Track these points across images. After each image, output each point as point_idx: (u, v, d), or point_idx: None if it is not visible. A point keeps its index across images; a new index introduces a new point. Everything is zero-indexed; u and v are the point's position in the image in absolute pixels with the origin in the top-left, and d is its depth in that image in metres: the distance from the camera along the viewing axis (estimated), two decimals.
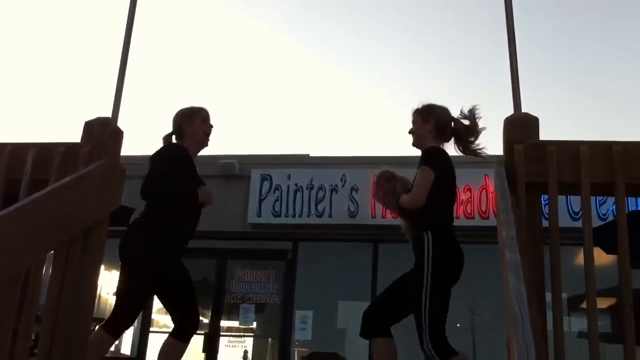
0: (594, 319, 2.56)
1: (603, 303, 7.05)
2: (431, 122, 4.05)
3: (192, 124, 4.24)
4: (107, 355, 10.99)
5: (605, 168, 2.76)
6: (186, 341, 3.99)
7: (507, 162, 2.83)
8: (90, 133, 3.35)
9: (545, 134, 2.91)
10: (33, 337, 3.08)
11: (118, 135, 3.43)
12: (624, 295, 2.63)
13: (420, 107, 4.13)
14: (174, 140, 4.31)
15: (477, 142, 4.06)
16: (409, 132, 4.12)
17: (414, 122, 4.12)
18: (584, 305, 2.64)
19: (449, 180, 3.94)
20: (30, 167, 3.26)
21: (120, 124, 3.55)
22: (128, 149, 4.05)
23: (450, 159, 3.98)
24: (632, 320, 2.60)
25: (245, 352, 10.37)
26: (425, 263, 3.72)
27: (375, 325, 3.76)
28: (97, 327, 3.98)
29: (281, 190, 9.76)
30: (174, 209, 4.02)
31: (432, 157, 3.93)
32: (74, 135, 3.42)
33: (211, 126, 4.27)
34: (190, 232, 4.15)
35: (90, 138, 3.32)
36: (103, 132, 3.34)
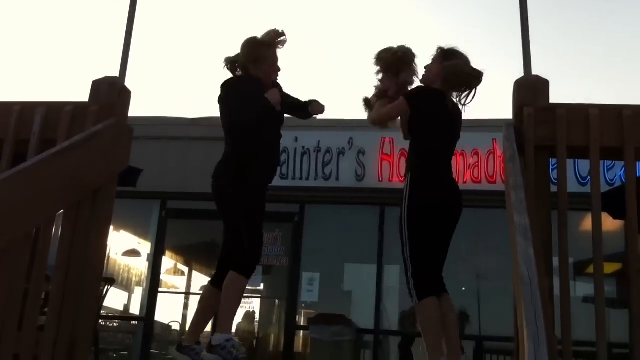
0: (600, 284, 2.57)
1: (609, 268, 7.06)
2: (443, 66, 3.92)
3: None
4: (117, 315, 11.13)
5: (615, 132, 2.74)
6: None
7: (517, 125, 2.82)
8: (98, 93, 3.34)
9: (555, 97, 2.89)
10: (43, 296, 3.12)
11: (126, 95, 3.42)
12: (630, 260, 2.63)
13: (443, 47, 3.97)
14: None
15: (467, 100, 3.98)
16: (424, 67, 4.00)
17: (432, 61, 3.99)
18: (590, 270, 2.65)
19: (432, 120, 3.88)
20: (38, 127, 3.25)
21: (128, 84, 3.54)
22: (136, 109, 4.04)
23: (440, 101, 3.87)
24: (638, 285, 2.61)
25: (253, 312, 10.48)
26: (402, 202, 3.75)
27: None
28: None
29: (288, 153, 9.74)
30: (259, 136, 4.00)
31: (412, 93, 3.95)
32: (82, 94, 3.42)
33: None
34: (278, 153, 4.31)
35: (98, 98, 3.31)
36: (111, 92, 3.33)
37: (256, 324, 10.50)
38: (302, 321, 9.77)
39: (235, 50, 4.27)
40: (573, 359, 2.58)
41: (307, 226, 9.89)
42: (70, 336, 2.86)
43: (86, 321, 2.98)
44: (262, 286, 10.48)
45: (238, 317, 10.26)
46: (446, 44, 3.98)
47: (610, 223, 4.88)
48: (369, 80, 4.17)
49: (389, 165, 9.41)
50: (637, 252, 2.66)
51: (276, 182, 10.25)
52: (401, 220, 3.72)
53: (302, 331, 9.63)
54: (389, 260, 9.52)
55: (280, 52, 4.20)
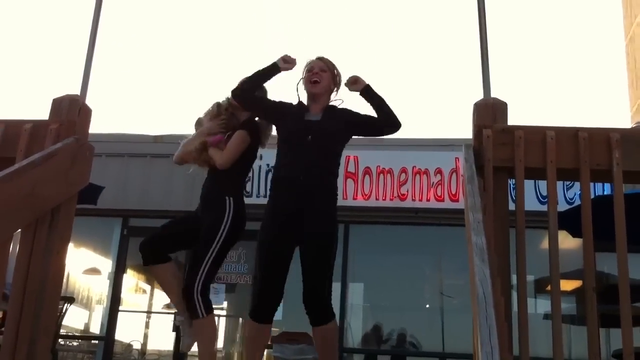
0: (557, 300, 2.62)
1: (569, 285, 7.20)
2: (335, 81, 3.98)
3: None
4: (77, 334, 10.90)
5: (571, 153, 2.80)
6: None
7: (476, 146, 2.87)
8: (58, 110, 3.31)
9: (513, 119, 2.95)
10: (0, 315, 3.06)
11: (86, 112, 3.39)
12: (587, 277, 2.69)
13: (330, 62, 3.98)
14: None
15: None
16: (313, 81, 3.90)
17: (324, 72, 3.93)
18: (550, 287, 2.70)
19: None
20: None
21: (89, 101, 3.51)
22: (97, 126, 4.01)
23: None
24: (594, 302, 2.66)
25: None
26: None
27: None
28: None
29: (253, 170, 9.73)
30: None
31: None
32: (42, 113, 3.38)
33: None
34: None
35: (58, 115, 3.28)
36: (71, 110, 3.30)
37: (219, 342, 10.41)
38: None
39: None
40: None
41: None
42: (28, 356, 2.81)
43: (44, 340, 2.93)
44: (225, 304, 10.40)
45: None
46: (322, 55, 4.03)
47: (570, 241, 4.98)
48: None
49: (353, 183, 9.46)
50: (593, 269, 2.73)
51: None
52: (215, 242, 3.88)
53: (265, 350, 9.58)
54: (354, 278, 9.53)
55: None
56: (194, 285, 3.72)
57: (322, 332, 3.61)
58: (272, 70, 3.92)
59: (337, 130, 3.81)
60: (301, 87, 3.96)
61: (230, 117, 4.11)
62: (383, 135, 4.04)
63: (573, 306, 7.64)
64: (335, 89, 3.99)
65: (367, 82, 3.85)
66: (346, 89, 3.95)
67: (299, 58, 3.95)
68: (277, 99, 4.04)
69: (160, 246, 3.92)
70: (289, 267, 3.71)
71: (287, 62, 3.91)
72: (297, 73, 3.99)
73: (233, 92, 3.96)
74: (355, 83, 3.86)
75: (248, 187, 9.68)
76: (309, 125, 3.80)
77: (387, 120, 3.79)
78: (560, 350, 2.54)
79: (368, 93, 3.83)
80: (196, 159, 4.05)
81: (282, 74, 3.95)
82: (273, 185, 3.86)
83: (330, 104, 3.96)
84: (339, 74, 3.99)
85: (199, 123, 4.18)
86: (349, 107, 3.95)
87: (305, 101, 3.97)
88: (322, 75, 3.89)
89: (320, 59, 3.95)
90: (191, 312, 3.72)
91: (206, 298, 3.74)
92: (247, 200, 10.19)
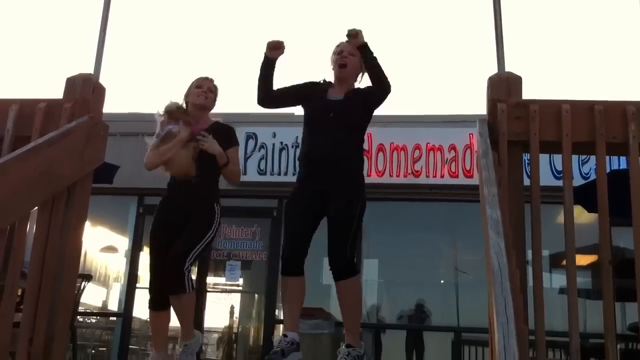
0: (572, 274, 2.61)
1: (584, 260, 7.16)
2: (362, 65, 3.93)
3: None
4: (95, 311, 11.05)
5: (587, 127, 2.78)
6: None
7: (490, 121, 2.85)
8: (72, 89, 3.32)
9: (528, 93, 2.93)
10: (19, 293, 3.10)
11: (100, 91, 3.41)
12: (603, 251, 2.68)
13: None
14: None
15: None
16: (341, 64, 3.90)
17: (352, 55, 3.90)
18: (565, 262, 2.70)
19: None
20: (12, 124, 3.23)
21: (102, 80, 3.52)
22: (112, 105, 4.02)
23: None
24: (610, 275, 2.66)
25: (232, 307, 10.49)
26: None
27: None
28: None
29: (266, 148, 9.74)
30: None
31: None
32: (56, 91, 3.40)
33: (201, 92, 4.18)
34: None
35: (72, 94, 3.30)
36: (85, 89, 3.32)
37: (236, 318, 10.52)
38: (281, 315, 9.80)
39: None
40: (548, 349, 2.63)
41: None
42: (47, 332, 2.85)
43: (63, 317, 2.98)
44: (241, 281, 10.48)
45: (219, 312, 10.27)
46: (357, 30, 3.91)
47: (586, 216, 4.95)
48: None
49: (367, 160, 9.45)
50: (609, 243, 2.72)
51: (254, 177, 10.30)
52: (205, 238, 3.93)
53: (281, 325, 9.66)
54: (368, 253, 9.56)
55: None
56: (184, 262, 3.77)
57: (343, 285, 3.68)
58: (267, 64, 3.95)
59: (357, 107, 3.85)
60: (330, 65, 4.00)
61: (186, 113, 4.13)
62: (380, 102, 4.00)
63: (588, 280, 7.62)
64: (362, 73, 3.99)
65: (366, 41, 3.82)
66: None
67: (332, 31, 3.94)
68: (302, 82, 4.06)
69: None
70: (313, 227, 3.83)
71: (275, 49, 3.93)
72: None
73: (259, 103, 4.05)
74: (355, 37, 3.84)
75: (262, 165, 9.70)
76: (331, 104, 3.86)
77: (378, 83, 3.81)
78: (576, 324, 2.54)
79: (365, 50, 3.81)
80: (182, 169, 4.02)
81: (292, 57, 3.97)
82: (300, 163, 3.94)
83: (356, 86, 3.99)
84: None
85: (165, 135, 4.09)
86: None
87: (333, 80, 4.00)
88: (350, 59, 3.90)
89: (350, 42, 3.91)
90: (176, 288, 3.76)
91: (191, 277, 3.85)
92: (261, 178, 10.23)
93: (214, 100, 4.22)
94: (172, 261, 3.78)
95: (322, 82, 4.03)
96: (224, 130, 4.16)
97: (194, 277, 4.06)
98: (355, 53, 3.88)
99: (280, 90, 4.02)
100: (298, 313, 3.80)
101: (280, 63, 4.00)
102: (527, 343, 2.40)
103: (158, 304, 3.89)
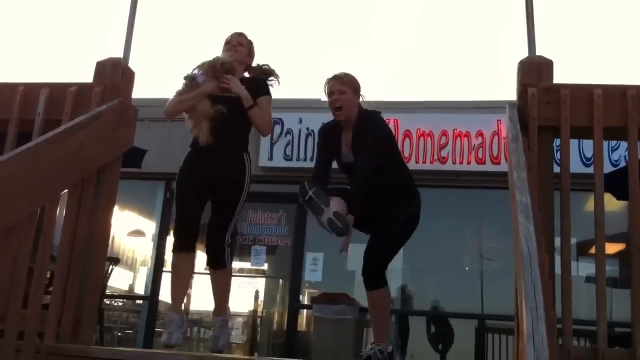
0: (601, 261, 2.58)
1: (611, 248, 7.09)
2: (358, 94, 3.91)
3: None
4: (122, 294, 11.19)
5: (619, 112, 2.74)
6: None
7: (520, 106, 2.82)
8: (102, 73, 3.36)
9: (559, 77, 2.89)
10: (48, 276, 3.15)
11: (129, 75, 3.44)
12: (633, 239, 2.64)
13: (346, 78, 3.86)
14: None
15: None
16: (337, 108, 3.81)
17: (343, 94, 3.80)
18: (592, 250, 2.66)
19: None
20: (42, 108, 3.27)
21: (132, 64, 3.54)
22: (140, 91, 4.02)
23: None
24: (639, 263, 2.62)
25: (257, 292, 10.54)
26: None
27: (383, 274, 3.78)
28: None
29: (292, 134, 9.73)
30: None
31: None
32: (86, 75, 3.43)
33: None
34: None
35: (102, 78, 3.33)
36: (115, 73, 3.35)
37: (260, 303, 10.57)
38: (305, 300, 9.84)
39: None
40: (574, 337, 2.61)
41: None
42: (75, 314, 2.90)
43: (91, 299, 3.02)
44: (266, 266, 10.52)
45: (244, 297, 10.33)
46: (342, 73, 3.91)
47: (614, 204, 4.89)
48: (374, 58, 4.10)
49: None
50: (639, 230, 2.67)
51: (280, 163, 10.32)
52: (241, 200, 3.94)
53: (305, 310, 9.70)
54: None
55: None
56: (224, 237, 3.77)
57: (371, 296, 3.74)
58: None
59: (369, 156, 3.74)
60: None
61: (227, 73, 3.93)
62: None
63: (616, 269, 7.54)
64: (361, 99, 3.93)
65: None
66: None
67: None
68: (320, 145, 4.12)
69: (194, 235, 3.86)
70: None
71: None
72: None
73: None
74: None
75: (288, 151, 9.70)
76: (349, 167, 3.88)
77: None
78: (604, 311, 2.51)
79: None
80: (203, 115, 3.88)
81: None
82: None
83: (360, 115, 3.85)
84: (358, 86, 3.91)
85: (191, 78, 3.94)
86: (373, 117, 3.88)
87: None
88: (342, 98, 3.80)
89: (336, 78, 3.85)
90: (217, 263, 3.79)
91: (230, 251, 3.83)
92: (287, 164, 10.24)
93: (247, 54, 4.10)
94: (213, 237, 3.77)
95: (330, 126, 3.97)
96: (257, 81, 4.04)
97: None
98: (346, 87, 3.80)
99: (324, 171, 4.03)
100: None
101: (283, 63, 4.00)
102: (556, 330, 2.38)
103: (184, 244, 3.78)
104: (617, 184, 3.60)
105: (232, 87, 3.85)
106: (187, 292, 4.08)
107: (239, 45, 4.05)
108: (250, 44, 4.14)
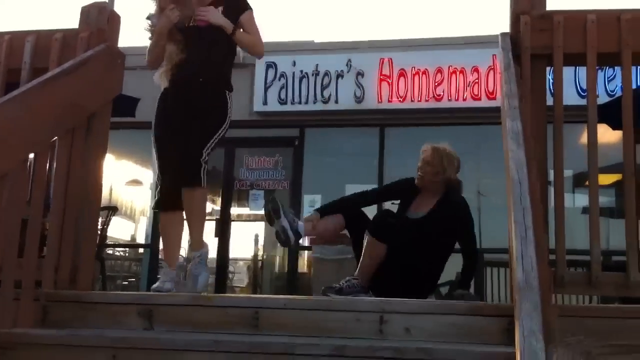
0: (594, 190, 2.59)
1: (608, 179, 7.10)
2: (443, 165, 4.14)
3: None
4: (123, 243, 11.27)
5: (613, 37, 2.70)
6: None
7: (513, 34, 2.78)
8: (88, 19, 3.31)
9: (553, 4, 2.83)
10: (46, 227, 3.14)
11: (115, 20, 3.38)
12: (626, 166, 2.64)
13: (437, 157, 4.13)
14: None
15: None
16: (420, 176, 4.18)
17: (427, 165, 4.16)
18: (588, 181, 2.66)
19: None
20: (29, 56, 3.24)
21: (117, 9, 3.48)
22: (129, 39, 3.95)
23: None
24: (633, 192, 2.63)
25: (256, 236, 10.63)
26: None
27: None
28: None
29: (286, 77, 9.64)
30: None
31: None
32: (71, 21, 3.38)
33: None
34: None
35: (88, 24, 3.29)
36: (100, 18, 3.30)
37: (260, 247, 10.68)
38: (305, 242, 9.93)
39: None
40: (572, 267, 2.63)
41: (308, 149, 9.89)
42: (73, 261, 2.91)
43: (88, 245, 3.04)
44: (264, 210, 10.60)
45: (243, 241, 10.43)
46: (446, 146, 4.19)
47: (610, 135, 4.88)
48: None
49: (388, 86, 9.32)
50: (633, 159, 2.67)
51: (275, 107, 10.26)
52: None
53: (305, 251, 9.80)
54: (390, 180, 9.54)
55: None
56: (201, 152, 3.42)
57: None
58: None
59: (436, 233, 3.98)
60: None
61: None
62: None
63: (612, 200, 7.58)
64: (447, 170, 4.13)
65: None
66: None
67: None
68: (390, 193, 4.61)
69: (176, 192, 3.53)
70: None
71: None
72: None
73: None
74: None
75: (282, 95, 9.63)
76: (410, 224, 4.02)
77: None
78: (597, 237, 2.53)
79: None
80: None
81: None
82: None
83: (445, 194, 4.15)
84: (445, 168, 4.12)
85: (148, 19, 3.67)
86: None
87: None
88: (426, 170, 4.09)
89: (433, 149, 4.14)
90: (192, 179, 3.41)
91: (206, 170, 3.48)
92: (282, 108, 10.20)
93: None
94: (188, 151, 3.42)
95: (411, 183, 4.25)
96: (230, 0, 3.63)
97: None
98: (431, 160, 4.07)
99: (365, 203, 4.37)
100: None
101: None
102: (547, 251, 2.40)
103: (169, 203, 3.51)
104: (612, 113, 3.58)
105: (210, 18, 3.51)
106: (181, 246, 3.70)
107: None
108: None
